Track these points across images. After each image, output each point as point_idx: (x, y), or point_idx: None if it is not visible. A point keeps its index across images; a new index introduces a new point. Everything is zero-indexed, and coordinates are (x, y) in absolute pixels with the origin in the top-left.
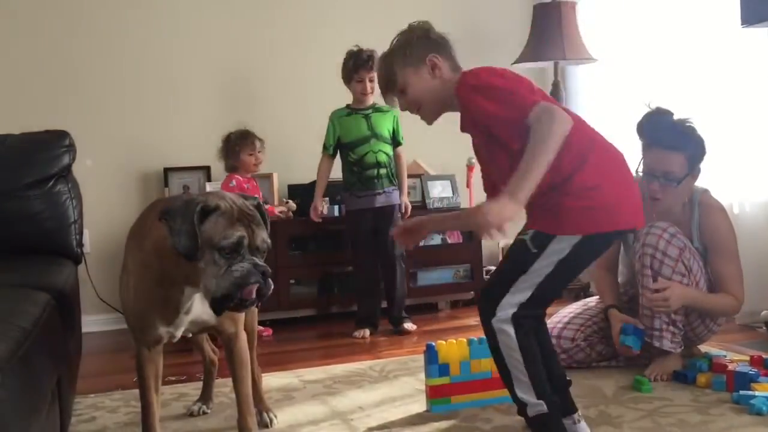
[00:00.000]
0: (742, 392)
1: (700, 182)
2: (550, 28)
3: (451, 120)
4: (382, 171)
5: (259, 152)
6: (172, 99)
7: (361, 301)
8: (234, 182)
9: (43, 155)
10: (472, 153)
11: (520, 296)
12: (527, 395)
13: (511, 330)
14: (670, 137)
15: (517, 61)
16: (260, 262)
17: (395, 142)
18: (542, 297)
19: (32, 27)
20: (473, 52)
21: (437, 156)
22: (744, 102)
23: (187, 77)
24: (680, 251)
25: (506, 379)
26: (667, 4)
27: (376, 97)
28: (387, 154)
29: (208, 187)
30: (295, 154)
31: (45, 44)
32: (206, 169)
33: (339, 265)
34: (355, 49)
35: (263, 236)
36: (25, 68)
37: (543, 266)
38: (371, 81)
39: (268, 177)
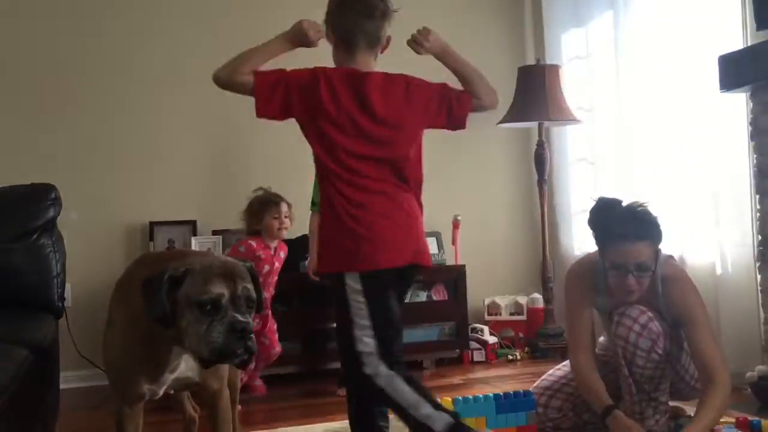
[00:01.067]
0: None
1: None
2: (534, 89)
3: (437, 177)
4: None
5: (285, 217)
6: (157, 153)
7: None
8: (243, 248)
9: (28, 208)
10: (458, 210)
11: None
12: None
13: (384, 371)
14: (634, 228)
15: (502, 122)
16: (242, 318)
17: None
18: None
19: (18, 79)
20: None
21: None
22: (724, 161)
23: (174, 131)
24: (653, 343)
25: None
26: (650, 68)
27: None
28: None
29: (194, 242)
30: None
31: (31, 97)
32: (192, 224)
33: (323, 321)
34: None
35: (245, 285)
36: (10, 122)
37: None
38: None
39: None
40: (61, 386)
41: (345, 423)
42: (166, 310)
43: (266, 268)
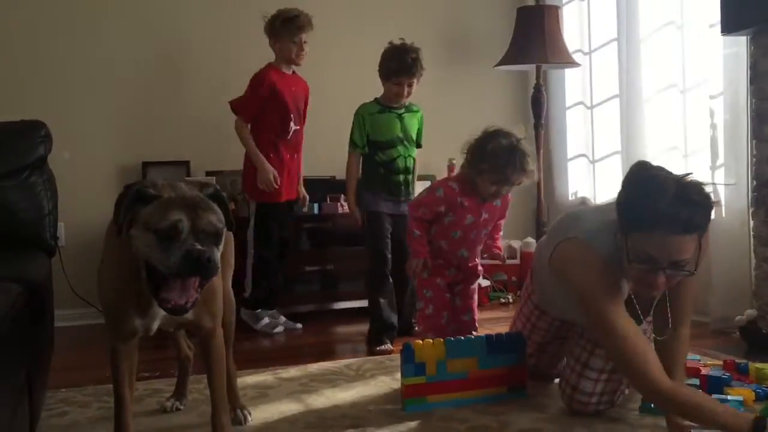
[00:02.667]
0: (714, 396)
1: None
2: (533, 31)
3: (432, 121)
4: (409, 178)
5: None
6: (152, 92)
7: (381, 313)
8: (442, 191)
9: (18, 145)
10: (453, 154)
11: None
12: None
13: None
14: (687, 218)
15: (500, 64)
16: (198, 246)
17: (416, 143)
18: None
19: (9, 18)
20: (456, 55)
21: (418, 155)
22: (722, 105)
23: (169, 71)
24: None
25: None
26: (650, 11)
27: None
28: (414, 160)
29: None
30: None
31: (23, 35)
32: (185, 164)
33: (317, 263)
34: (398, 43)
35: (210, 219)
36: (2, 59)
37: None
38: (410, 86)
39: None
40: (56, 324)
41: (339, 362)
42: (123, 221)
43: (469, 219)
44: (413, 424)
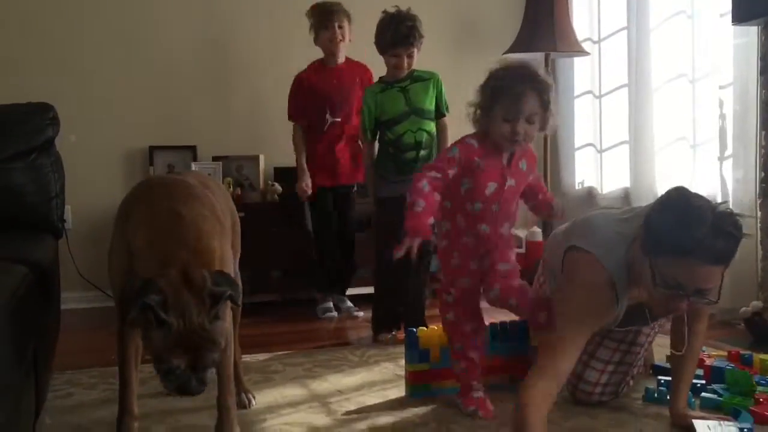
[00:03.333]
0: (716, 386)
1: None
2: (542, 19)
3: None
4: (423, 153)
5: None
6: (159, 77)
7: (383, 301)
8: (457, 150)
9: (25, 127)
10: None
11: None
12: None
13: None
14: (721, 250)
15: (508, 51)
16: (194, 382)
17: (438, 112)
18: None
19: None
20: (465, 42)
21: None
22: (732, 96)
23: (176, 55)
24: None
25: None
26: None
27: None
28: (429, 133)
29: (194, 167)
30: (284, 137)
31: (32, 17)
32: (192, 149)
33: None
34: (393, 11)
35: (207, 360)
36: (10, 41)
37: None
38: (410, 57)
39: (254, 159)
40: (63, 307)
41: (343, 348)
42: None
43: (491, 186)
44: (417, 410)
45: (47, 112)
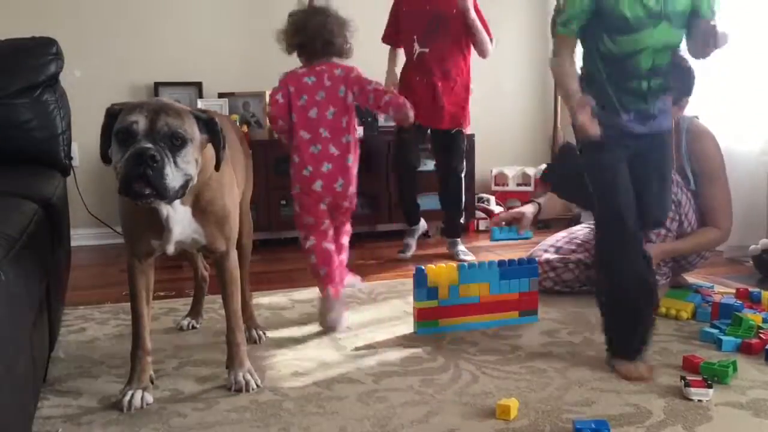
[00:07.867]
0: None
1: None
2: None
3: None
4: None
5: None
6: (165, 11)
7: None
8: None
9: (30, 62)
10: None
11: None
12: None
13: None
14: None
15: None
16: (149, 144)
17: None
18: None
19: None
20: None
21: None
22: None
23: None
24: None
25: None
26: None
27: None
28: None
29: (200, 104)
30: None
31: None
32: (198, 85)
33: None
34: None
35: (169, 121)
36: None
37: None
38: None
39: (260, 95)
40: (73, 243)
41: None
42: (106, 147)
43: (320, 94)
44: (425, 346)
45: (50, 47)
